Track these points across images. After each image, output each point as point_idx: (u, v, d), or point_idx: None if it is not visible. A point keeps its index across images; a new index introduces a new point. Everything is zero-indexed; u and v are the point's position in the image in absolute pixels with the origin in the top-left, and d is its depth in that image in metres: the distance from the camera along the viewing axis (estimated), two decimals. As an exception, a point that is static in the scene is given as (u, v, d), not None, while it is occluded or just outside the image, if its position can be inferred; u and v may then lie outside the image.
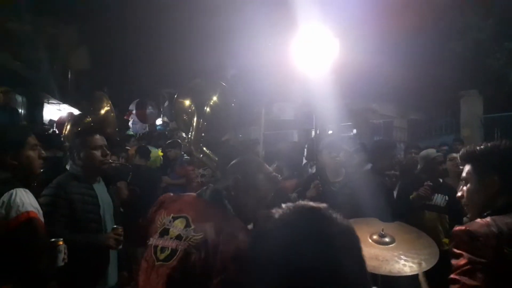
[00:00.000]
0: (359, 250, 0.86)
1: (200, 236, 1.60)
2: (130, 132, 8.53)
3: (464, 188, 1.75)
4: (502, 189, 1.62)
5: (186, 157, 5.34)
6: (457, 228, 1.63)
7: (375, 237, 2.02)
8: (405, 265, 1.85)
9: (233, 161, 1.89)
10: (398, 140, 9.16)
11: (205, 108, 4.01)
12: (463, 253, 1.54)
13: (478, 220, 1.61)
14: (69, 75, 14.14)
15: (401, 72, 8.00)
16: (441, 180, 3.95)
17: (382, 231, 2.05)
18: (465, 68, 8.40)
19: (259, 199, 1.81)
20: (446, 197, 3.69)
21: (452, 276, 1.57)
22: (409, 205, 3.49)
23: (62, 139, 4.65)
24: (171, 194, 1.91)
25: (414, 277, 1.85)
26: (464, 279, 1.50)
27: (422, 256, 1.90)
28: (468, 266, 1.50)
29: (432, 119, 10.32)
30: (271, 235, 0.82)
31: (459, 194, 1.79)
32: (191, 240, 1.61)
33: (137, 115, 11.01)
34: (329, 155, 3.34)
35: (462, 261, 1.55)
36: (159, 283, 1.59)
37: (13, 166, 2.08)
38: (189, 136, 3.96)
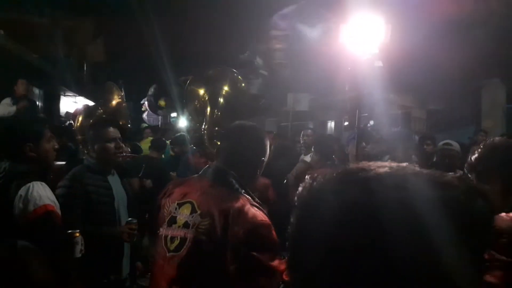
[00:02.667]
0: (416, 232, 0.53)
1: (207, 222, 1.53)
2: (145, 124, 8.57)
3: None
4: (507, 190, 1.60)
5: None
6: None
7: None
8: None
9: (226, 130, 1.82)
10: (416, 131, 8.95)
11: (219, 98, 3.95)
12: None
13: (503, 214, 1.55)
14: (85, 67, 14.29)
15: (422, 61, 7.80)
16: (459, 172, 3.82)
17: None
18: (487, 56, 8.15)
19: (253, 169, 1.73)
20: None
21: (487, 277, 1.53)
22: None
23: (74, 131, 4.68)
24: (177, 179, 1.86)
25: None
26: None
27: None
28: (489, 262, 1.47)
29: (452, 109, 10.06)
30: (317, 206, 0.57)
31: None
32: (199, 227, 1.54)
33: (149, 106, 11.07)
34: (358, 146, 3.31)
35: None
36: (173, 274, 1.54)
37: (31, 158, 2.12)
38: (203, 128, 3.91)
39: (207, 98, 3.93)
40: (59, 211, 2.12)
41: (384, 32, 3.64)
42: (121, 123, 4.04)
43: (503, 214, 1.57)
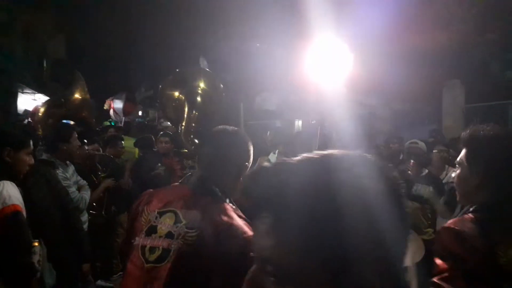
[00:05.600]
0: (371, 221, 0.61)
1: (195, 233, 1.44)
2: (107, 122, 8.30)
3: (457, 171, 1.65)
4: (483, 184, 1.51)
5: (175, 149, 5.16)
6: (444, 226, 1.55)
7: None
8: None
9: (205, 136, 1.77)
10: (380, 130, 9.15)
11: (196, 97, 3.95)
12: (448, 254, 1.46)
13: (465, 216, 1.52)
14: (45, 64, 13.72)
15: (386, 63, 7.97)
16: (426, 171, 3.92)
17: None
18: (448, 58, 8.45)
19: (236, 175, 1.65)
20: (431, 187, 3.67)
21: (434, 279, 1.49)
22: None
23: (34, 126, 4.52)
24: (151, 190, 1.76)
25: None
26: (445, 286, 1.42)
27: (411, 250, 1.85)
28: (451, 271, 1.41)
29: (416, 109, 10.36)
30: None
31: (452, 175, 1.75)
32: (186, 238, 1.44)
33: (125, 107, 10.78)
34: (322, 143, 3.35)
35: (445, 265, 1.47)
36: (155, 286, 1.43)
37: (5, 163, 2.21)
38: (180, 127, 3.89)
39: (183, 97, 3.90)
40: (25, 214, 2.16)
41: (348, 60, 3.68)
42: (84, 115, 4.00)
43: (465, 216, 1.54)
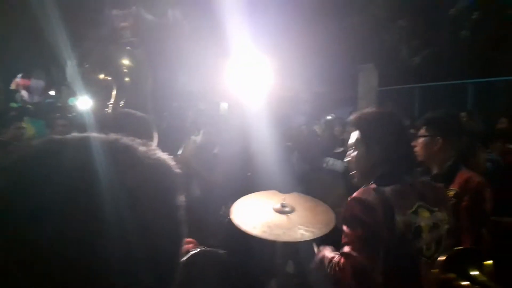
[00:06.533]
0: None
1: None
2: (15, 104, 7.58)
3: (353, 154, 1.78)
4: (382, 159, 1.67)
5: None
6: (351, 196, 1.64)
7: (277, 207, 2.02)
8: (307, 231, 1.85)
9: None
10: (302, 112, 9.44)
11: (122, 76, 3.81)
12: (355, 222, 1.57)
13: (369, 186, 1.64)
14: None
15: (304, 45, 8.17)
16: (341, 149, 4.11)
17: (284, 201, 2.05)
18: (362, 43, 8.87)
19: None
20: (345, 162, 3.88)
21: (342, 249, 1.58)
22: (308, 171, 3.64)
23: None
24: None
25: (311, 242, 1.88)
26: (353, 252, 1.52)
27: (321, 222, 1.93)
28: (357, 237, 1.53)
29: (335, 91, 10.81)
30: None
31: (347, 159, 1.83)
32: None
33: (22, 85, 9.89)
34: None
35: (351, 231, 1.57)
36: None
37: None
38: (108, 105, 3.70)
39: (108, 77, 3.72)
40: None
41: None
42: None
43: (368, 187, 1.65)
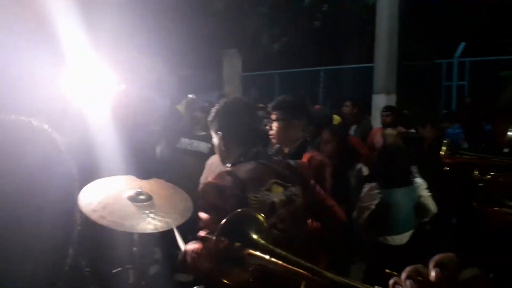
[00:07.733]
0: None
1: None
2: None
3: (214, 139, 1.84)
4: (236, 142, 1.73)
5: None
6: (205, 181, 1.64)
7: (130, 194, 1.90)
8: (161, 221, 1.79)
9: None
10: (167, 95, 9.20)
11: None
12: (210, 207, 1.56)
13: (223, 170, 1.68)
14: None
15: (168, 28, 7.93)
16: (204, 133, 4.12)
17: (140, 189, 1.93)
18: (225, 28, 8.99)
19: None
20: (210, 144, 3.90)
21: (200, 234, 1.57)
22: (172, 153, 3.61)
23: None
24: None
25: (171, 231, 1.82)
26: (209, 235, 1.52)
27: (179, 211, 1.88)
28: (213, 222, 1.53)
29: (200, 75, 10.80)
30: None
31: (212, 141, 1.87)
32: None
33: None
34: None
35: (208, 217, 1.56)
36: None
37: None
38: None
39: None
40: None
41: None
42: None
43: (221, 171, 1.67)
